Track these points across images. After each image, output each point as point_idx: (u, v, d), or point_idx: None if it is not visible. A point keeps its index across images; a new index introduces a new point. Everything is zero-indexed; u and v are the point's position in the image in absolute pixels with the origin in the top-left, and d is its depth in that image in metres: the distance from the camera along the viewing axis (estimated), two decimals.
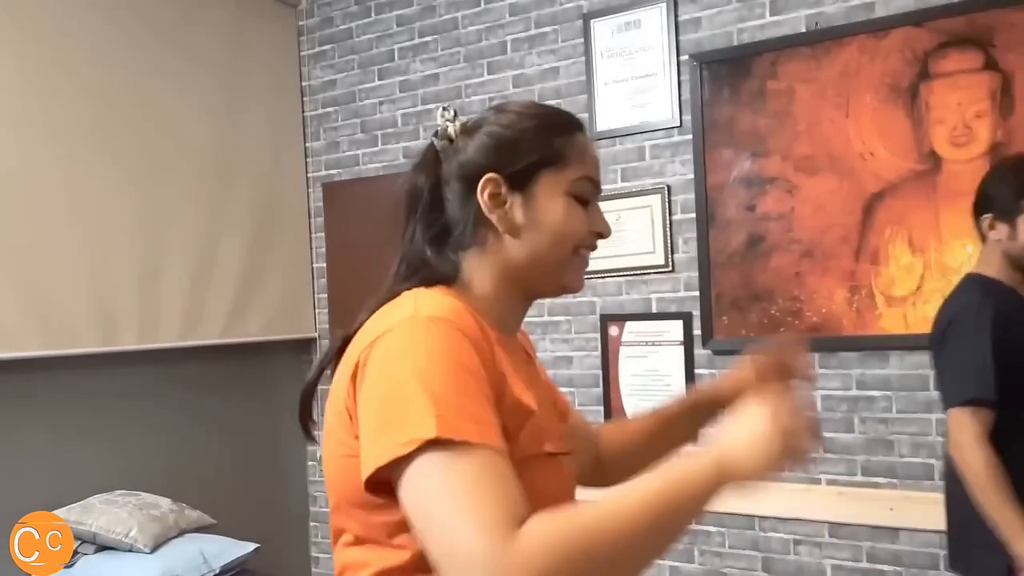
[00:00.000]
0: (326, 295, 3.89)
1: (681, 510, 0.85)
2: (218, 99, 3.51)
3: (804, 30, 2.80)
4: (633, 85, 3.10)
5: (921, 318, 2.60)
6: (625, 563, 0.80)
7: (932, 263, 2.61)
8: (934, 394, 2.59)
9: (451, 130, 1.08)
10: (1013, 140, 2.51)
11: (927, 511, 2.59)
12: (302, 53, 3.92)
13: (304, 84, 3.92)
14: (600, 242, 1.09)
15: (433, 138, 1.09)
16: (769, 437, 0.88)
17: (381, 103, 3.71)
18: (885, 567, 2.67)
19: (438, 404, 0.83)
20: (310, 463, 3.93)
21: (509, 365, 0.99)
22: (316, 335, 3.89)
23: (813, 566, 2.78)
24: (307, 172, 3.92)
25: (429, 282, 1.05)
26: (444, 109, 1.10)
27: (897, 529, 2.66)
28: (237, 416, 3.63)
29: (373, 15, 3.72)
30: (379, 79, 3.71)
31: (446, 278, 1.05)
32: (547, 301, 3.27)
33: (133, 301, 3.12)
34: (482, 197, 1.03)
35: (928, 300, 2.60)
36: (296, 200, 3.87)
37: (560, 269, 1.06)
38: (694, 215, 2.97)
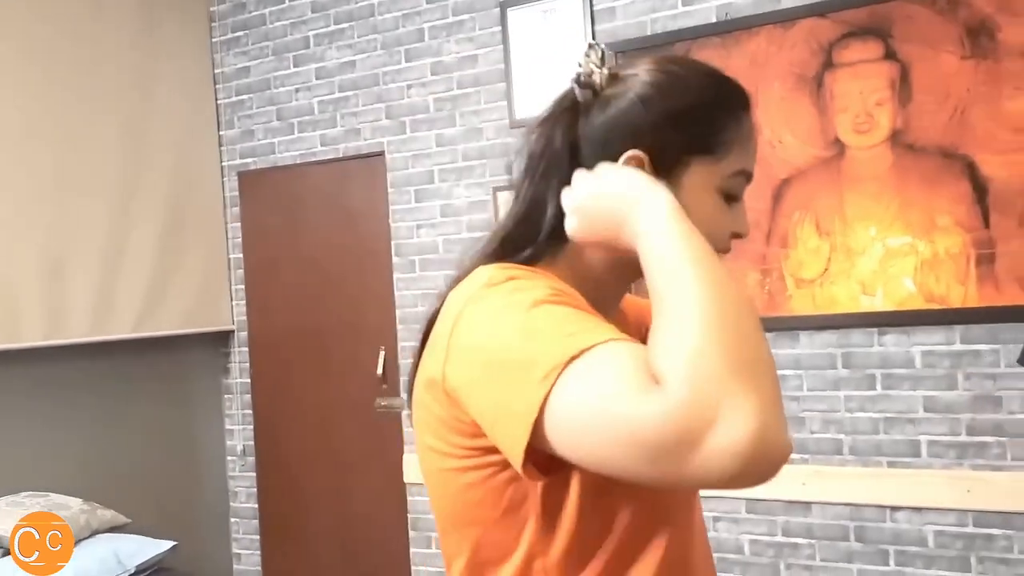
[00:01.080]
0: (243, 287, 3.82)
1: (702, 249, 0.74)
2: (127, 86, 3.41)
3: (715, 20, 2.87)
4: (551, 73, 3.13)
5: (828, 299, 2.70)
6: (745, 328, 0.70)
7: (838, 246, 2.71)
8: (843, 372, 2.70)
9: (597, 77, 0.88)
10: (911, 127, 2.62)
11: (837, 485, 2.70)
12: (214, 40, 3.83)
13: (217, 71, 3.83)
14: None
15: (573, 83, 0.89)
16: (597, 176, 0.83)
17: (297, 90, 3.66)
18: (799, 540, 2.78)
19: (551, 336, 0.73)
20: (229, 458, 3.86)
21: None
22: (234, 328, 3.82)
23: (731, 542, 2.87)
24: (222, 161, 3.83)
25: (514, 258, 0.89)
26: (591, 47, 0.89)
27: (809, 503, 2.76)
28: (152, 412, 3.54)
29: (287, 1, 3.66)
30: (294, 66, 3.66)
31: (536, 256, 0.89)
32: None
33: (38, 294, 3.01)
34: None
35: (835, 282, 2.70)
36: (211, 189, 3.78)
37: None
38: None
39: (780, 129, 2.79)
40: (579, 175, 0.86)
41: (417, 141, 3.40)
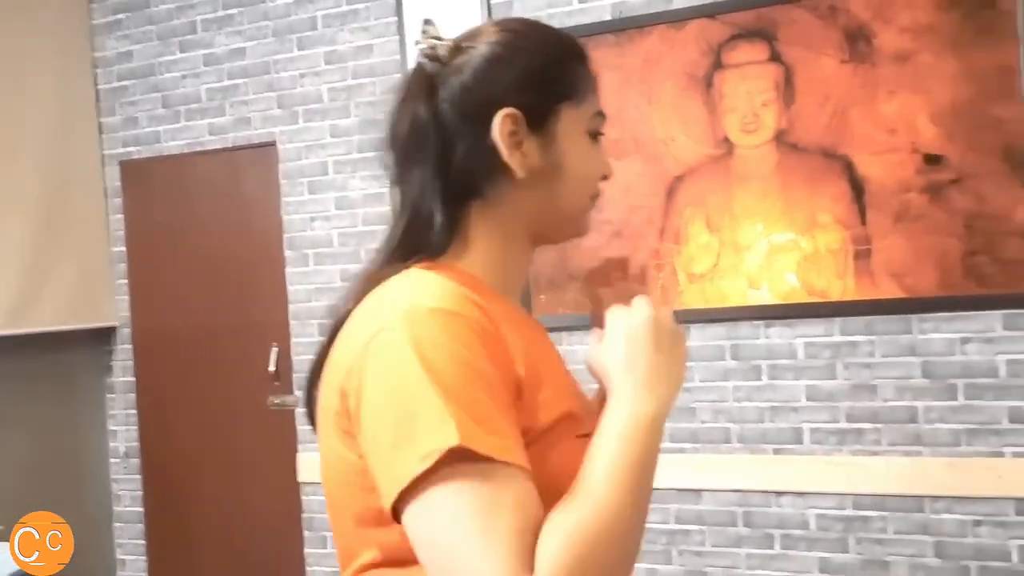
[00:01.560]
0: (127, 281, 3.66)
1: (646, 472, 0.79)
2: None
3: (609, 18, 2.91)
4: None
5: (718, 293, 2.79)
6: (629, 552, 0.76)
7: (727, 242, 2.80)
8: (731, 363, 2.80)
9: (441, 49, 0.88)
10: (794, 128, 2.73)
11: (726, 472, 2.80)
12: (93, 22, 3.64)
13: (96, 55, 3.64)
14: None
15: (421, 58, 0.89)
16: (651, 346, 0.84)
17: (184, 77, 3.52)
18: (690, 527, 2.86)
19: (456, 410, 0.72)
20: (112, 460, 3.70)
21: (521, 341, 0.83)
22: (117, 324, 3.66)
23: None
24: (102, 149, 3.65)
25: (424, 253, 0.87)
26: (427, 23, 0.90)
27: (700, 490, 2.85)
28: (29, 412, 3.36)
29: None
30: (180, 52, 3.52)
31: (443, 246, 0.88)
32: None
33: None
34: (500, 136, 0.85)
35: (724, 276, 2.79)
36: (90, 179, 3.61)
37: (579, 215, 0.93)
38: None
39: (673, 127, 2.85)
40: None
41: (311, 131, 3.32)
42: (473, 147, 0.86)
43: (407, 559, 0.81)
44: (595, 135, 0.92)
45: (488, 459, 0.71)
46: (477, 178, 0.87)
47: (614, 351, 0.85)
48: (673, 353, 0.86)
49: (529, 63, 0.87)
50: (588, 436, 0.83)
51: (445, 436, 0.70)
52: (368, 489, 0.80)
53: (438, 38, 0.89)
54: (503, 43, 0.88)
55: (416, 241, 0.88)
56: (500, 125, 0.85)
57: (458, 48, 0.89)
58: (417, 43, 0.90)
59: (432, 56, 0.89)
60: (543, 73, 0.88)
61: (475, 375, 0.75)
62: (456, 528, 0.70)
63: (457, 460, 0.70)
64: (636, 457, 0.78)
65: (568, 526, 0.71)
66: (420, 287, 0.81)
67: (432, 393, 0.72)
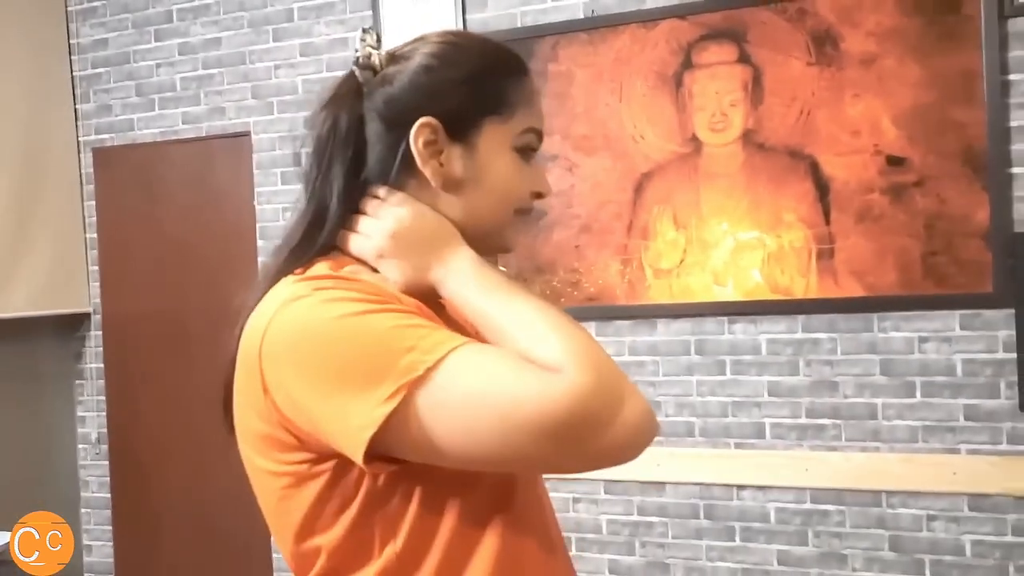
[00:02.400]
0: (97, 268, 3.65)
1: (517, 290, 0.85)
2: None
3: (582, 16, 2.94)
4: None
5: (684, 288, 2.83)
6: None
7: (694, 238, 2.84)
8: (696, 358, 2.84)
9: (376, 58, 0.90)
10: (762, 128, 2.77)
11: (689, 465, 2.84)
12: (69, 9, 3.64)
13: (72, 42, 3.64)
14: None
15: (353, 66, 0.91)
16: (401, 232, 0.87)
17: (158, 65, 3.52)
18: (653, 519, 2.90)
19: (393, 339, 0.75)
20: (81, 446, 3.70)
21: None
22: (90, 310, 3.65)
23: (590, 522, 2.97)
24: (78, 135, 3.65)
25: (327, 249, 0.90)
26: (365, 32, 0.92)
27: (663, 483, 2.89)
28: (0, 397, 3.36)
29: None
30: (156, 40, 3.52)
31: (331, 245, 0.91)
32: None
33: None
34: (415, 144, 0.87)
35: (690, 273, 2.83)
36: (66, 165, 3.60)
37: (500, 231, 0.92)
38: None
39: (643, 125, 2.89)
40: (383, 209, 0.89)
41: (284, 122, 3.34)
42: (387, 151, 0.88)
43: (353, 560, 0.83)
44: (525, 151, 0.91)
45: (447, 355, 0.74)
46: (390, 180, 0.89)
47: (399, 257, 0.88)
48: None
49: (456, 73, 0.88)
50: None
51: (395, 376, 0.73)
52: (300, 498, 0.82)
53: (374, 47, 0.91)
54: (436, 54, 0.89)
55: (314, 239, 0.90)
56: (416, 132, 0.87)
57: (392, 58, 0.91)
58: (355, 50, 0.92)
59: (365, 65, 0.90)
60: (469, 84, 0.88)
61: (380, 304, 0.78)
62: (492, 387, 0.73)
63: (422, 381, 0.74)
64: (505, 287, 0.84)
65: (542, 331, 0.77)
66: (302, 284, 0.83)
67: (359, 339, 0.76)
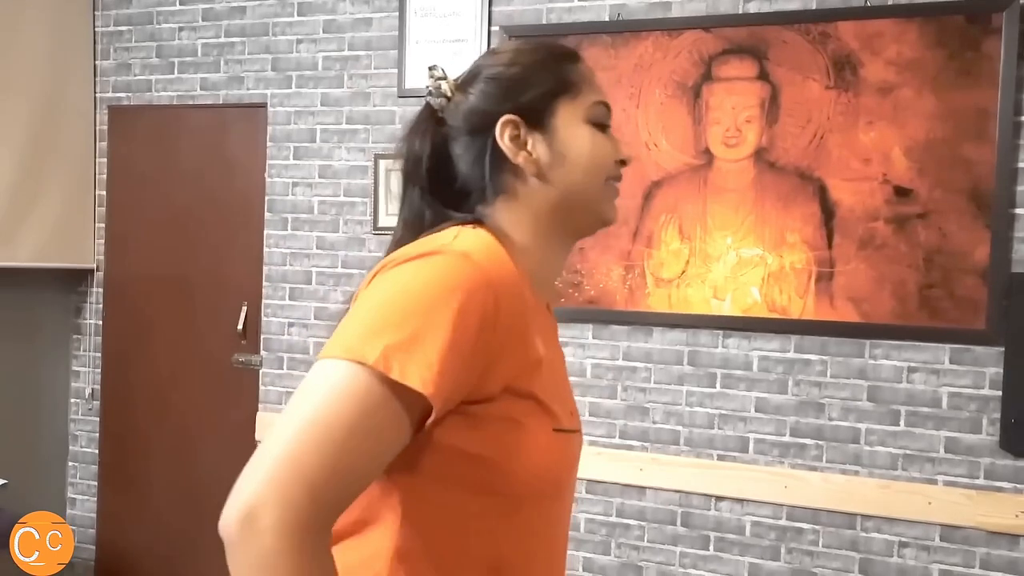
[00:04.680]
0: (104, 225, 3.67)
1: None
2: None
3: (607, 19, 2.96)
4: (444, 48, 3.15)
5: (682, 299, 2.86)
6: None
7: (697, 250, 2.87)
8: (687, 368, 2.88)
9: (445, 87, 0.99)
10: (774, 146, 2.80)
11: (671, 472, 2.88)
12: None
13: None
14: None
15: (428, 98, 1.01)
16: None
17: (181, 29, 3.53)
18: (631, 521, 2.95)
19: (402, 337, 0.79)
20: (73, 400, 3.73)
21: (536, 329, 0.91)
22: (94, 266, 3.68)
23: None
24: (95, 92, 3.66)
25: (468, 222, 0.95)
26: (432, 68, 1.01)
27: (644, 488, 2.93)
28: None
29: None
30: (180, 3, 3.53)
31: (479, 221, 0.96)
32: (341, 257, 3.28)
33: None
34: (503, 141, 0.95)
35: (691, 284, 2.86)
36: (81, 120, 3.61)
37: (598, 202, 0.99)
38: None
39: (657, 133, 2.91)
40: None
41: (302, 97, 3.35)
42: (479, 157, 0.97)
43: (377, 520, 0.87)
44: (598, 124, 0.98)
45: (390, 381, 0.78)
46: (490, 183, 0.97)
47: None
48: None
49: (519, 71, 0.98)
50: (565, 432, 0.91)
51: (373, 352, 0.78)
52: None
53: (443, 78, 1.00)
54: (497, 63, 0.99)
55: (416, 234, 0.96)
56: (500, 131, 0.96)
57: (459, 84, 1.01)
58: (426, 86, 1.01)
59: (438, 94, 1.00)
60: (533, 77, 0.97)
61: (456, 325, 0.81)
62: (303, 412, 0.78)
63: (368, 372, 0.78)
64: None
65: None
66: (467, 236, 0.89)
67: (394, 313, 0.81)
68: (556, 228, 0.98)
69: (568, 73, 0.98)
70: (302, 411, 0.78)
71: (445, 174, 0.99)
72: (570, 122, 0.96)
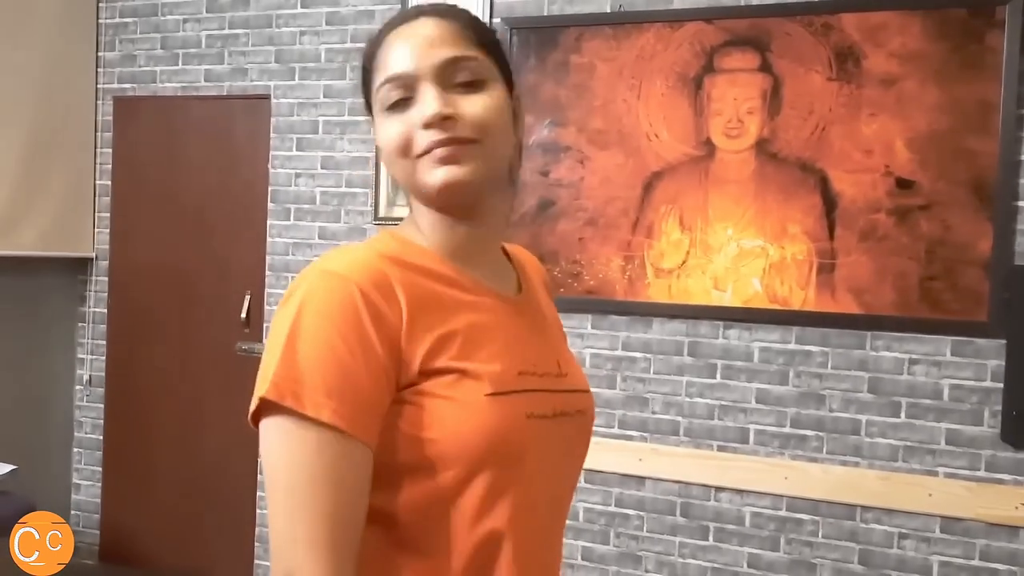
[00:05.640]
0: (108, 214, 3.70)
1: None
2: None
3: (608, 11, 2.96)
4: None
5: (683, 290, 2.87)
6: None
7: (697, 241, 2.87)
8: (687, 359, 2.88)
9: None
10: (776, 138, 2.79)
11: (671, 463, 2.89)
12: None
13: None
14: None
15: None
16: None
17: (185, 21, 3.54)
18: (630, 511, 2.96)
19: (287, 367, 0.82)
20: (77, 387, 3.76)
21: (450, 303, 0.90)
22: (94, 255, 3.70)
23: None
24: (98, 82, 3.68)
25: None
26: None
27: (644, 478, 2.94)
28: (1, 332, 3.41)
29: None
30: None
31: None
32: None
33: None
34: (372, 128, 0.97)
35: (691, 275, 2.86)
36: (84, 110, 3.63)
37: (412, 182, 0.91)
38: None
39: (658, 124, 2.91)
40: None
41: (305, 89, 3.36)
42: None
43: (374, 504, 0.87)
44: (394, 106, 0.90)
45: (302, 415, 0.81)
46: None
47: None
48: None
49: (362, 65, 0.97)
50: (504, 395, 0.88)
51: (264, 387, 0.82)
52: None
53: None
54: None
55: None
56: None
57: None
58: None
59: None
60: (362, 72, 0.96)
61: (336, 343, 0.82)
62: (276, 482, 0.82)
63: (279, 412, 0.82)
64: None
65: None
66: (337, 252, 0.90)
67: (279, 350, 0.83)
68: (433, 214, 0.94)
69: (369, 63, 0.93)
70: (277, 483, 0.82)
71: None
72: (377, 115, 0.93)
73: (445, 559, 0.87)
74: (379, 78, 0.91)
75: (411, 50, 0.90)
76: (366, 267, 0.86)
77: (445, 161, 0.88)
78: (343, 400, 0.81)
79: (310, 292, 0.84)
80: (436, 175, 0.88)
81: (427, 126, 0.88)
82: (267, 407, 0.83)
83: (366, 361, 0.83)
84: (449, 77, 0.90)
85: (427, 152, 0.88)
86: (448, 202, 0.92)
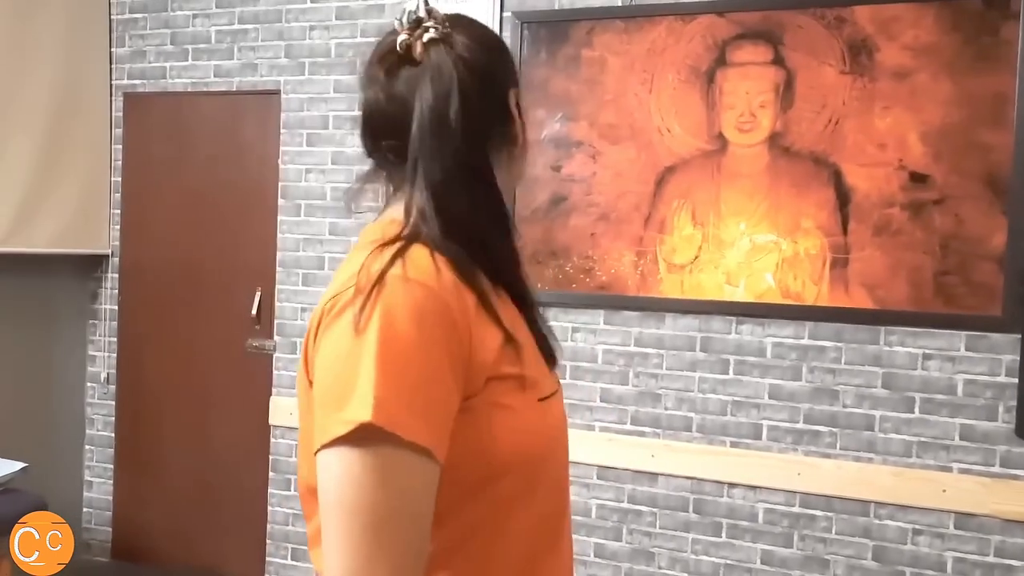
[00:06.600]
0: (119, 212, 3.70)
1: None
2: None
3: (619, 4, 2.94)
4: None
5: (695, 285, 2.85)
6: None
7: (710, 236, 2.86)
8: (700, 355, 2.87)
9: (436, 18, 0.98)
10: (789, 132, 2.78)
11: (683, 459, 2.88)
12: None
13: None
14: None
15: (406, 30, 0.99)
16: None
17: (194, 16, 3.54)
18: (643, 508, 2.95)
19: (385, 387, 0.76)
20: (89, 384, 3.77)
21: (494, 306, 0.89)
22: (109, 252, 3.70)
23: (580, 505, 3.01)
24: (111, 79, 3.68)
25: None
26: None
27: (656, 474, 2.93)
28: (14, 330, 3.42)
29: None
30: None
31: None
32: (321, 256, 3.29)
33: None
34: (514, 111, 1.01)
35: (703, 270, 2.85)
36: (97, 107, 3.63)
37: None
38: None
39: (670, 118, 2.90)
40: None
41: (315, 84, 3.36)
42: (475, 116, 0.96)
43: None
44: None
45: (396, 437, 0.75)
46: (471, 150, 0.96)
47: None
48: None
49: (507, 53, 1.02)
50: (548, 399, 0.91)
51: (364, 410, 0.75)
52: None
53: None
54: (490, 34, 1.01)
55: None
56: (513, 100, 0.99)
57: (448, 33, 0.99)
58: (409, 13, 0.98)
59: (420, 26, 0.99)
60: (509, 62, 1.02)
61: (431, 361, 0.78)
62: (348, 511, 0.75)
63: (371, 435, 0.75)
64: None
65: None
66: (404, 255, 0.83)
67: (372, 368, 0.76)
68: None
69: (515, 78, 0.99)
70: (345, 520, 0.76)
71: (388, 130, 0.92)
72: (514, 112, 0.97)
73: (499, 559, 0.88)
74: (525, 95, 1.02)
75: None
76: (439, 273, 0.82)
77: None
78: (437, 424, 0.78)
79: (395, 303, 0.79)
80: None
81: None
82: (360, 434, 0.75)
83: (452, 378, 0.80)
84: None
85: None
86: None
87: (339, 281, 0.85)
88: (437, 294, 0.80)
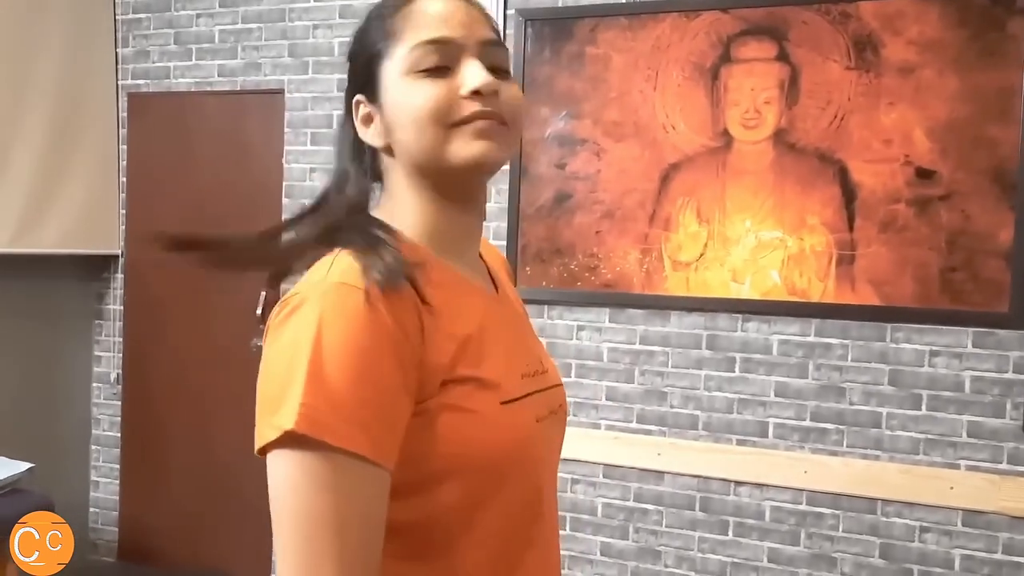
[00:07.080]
0: (124, 212, 3.70)
1: None
2: None
3: (624, 1, 2.93)
4: None
5: (701, 282, 2.85)
6: None
7: (715, 233, 2.85)
8: (706, 353, 2.86)
9: None
10: (794, 128, 2.76)
11: (689, 457, 2.87)
12: None
13: None
14: None
15: None
16: None
17: (198, 16, 3.54)
18: (649, 506, 2.94)
19: (313, 394, 0.74)
20: (95, 384, 3.77)
21: (455, 308, 0.87)
22: (119, 252, 3.71)
23: (586, 503, 3.01)
24: (118, 79, 3.68)
25: (356, 209, 0.91)
26: None
27: (662, 472, 2.92)
28: (21, 331, 3.42)
29: None
30: None
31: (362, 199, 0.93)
32: None
33: None
34: (357, 122, 0.92)
35: (709, 267, 2.84)
36: (103, 108, 3.63)
37: (437, 152, 0.86)
38: (508, 167, 3.07)
39: (675, 115, 2.89)
40: None
41: (319, 83, 3.35)
42: (345, 147, 0.96)
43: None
44: (424, 71, 0.86)
45: (326, 444, 0.74)
46: (369, 170, 0.94)
47: None
48: None
49: (352, 48, 0.94)
50: (513, 401, 0.87)
51: (289, 418, 0.74)
52: None
53: None
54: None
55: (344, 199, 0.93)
56: (354, 112, 0.93)
57: None
58: None
59: None
60: (357, 47, 0.92)
61: (365, 364, 0.76)
62: (289, 512, 0.76)
63: (299, 444, 0.75)
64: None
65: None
66: (341, 263, 0.81)
67: (303, 375, 0.75)
68: (427, 197, 0.89)
69: (386, 29, 0.87)
70: (296, 525, 0.76)
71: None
72: (391, 83, 0.87)
73: (459, 565, 0.85)
74: (411, 39, 0.86)
75: (453, 20, 0.87)
76: (380, 275, 0.79)
77: (485, 135, 0.85)
78: (375, 428, 0.76)
79: (328, 307, 0.77)
80: (474, 147, 0.85)
81: (475, 95, 0.84)
82: (290, 440, 0.75)
83: (395, 382, 0.78)
84: (487, 58, 0.88)
85: (468, 122, 0.85)
86: (473, 177, 0.89)
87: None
88: (376, 298, 0.78)
